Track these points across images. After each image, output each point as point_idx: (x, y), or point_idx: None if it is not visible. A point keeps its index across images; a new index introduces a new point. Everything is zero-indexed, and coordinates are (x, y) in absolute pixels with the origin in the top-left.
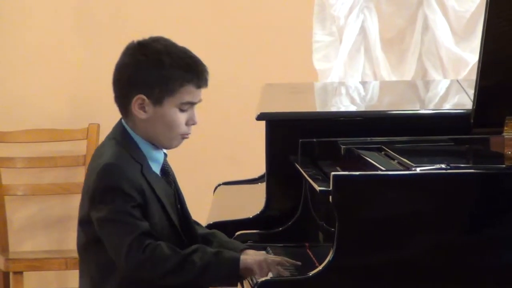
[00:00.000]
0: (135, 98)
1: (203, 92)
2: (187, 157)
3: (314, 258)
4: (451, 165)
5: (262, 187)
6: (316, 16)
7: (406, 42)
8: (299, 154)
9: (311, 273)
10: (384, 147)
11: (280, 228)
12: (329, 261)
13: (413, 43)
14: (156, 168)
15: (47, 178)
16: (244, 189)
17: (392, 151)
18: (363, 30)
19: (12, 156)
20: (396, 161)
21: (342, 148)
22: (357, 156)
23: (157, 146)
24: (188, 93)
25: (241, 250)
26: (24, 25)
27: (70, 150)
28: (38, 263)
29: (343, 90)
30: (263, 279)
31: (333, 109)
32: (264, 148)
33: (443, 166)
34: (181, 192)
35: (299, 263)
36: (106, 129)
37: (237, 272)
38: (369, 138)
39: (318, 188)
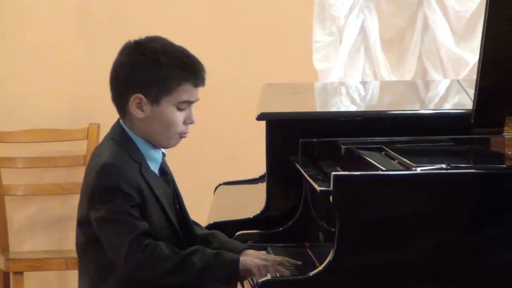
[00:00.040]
0: (132, 97)
1: (204, 92)
2: (187, 157)
3: (314, 258)
4: (451, 165)
5: (262, 187)
6: (316, 16)
7: (406, 42)
8: (299, 154)
9: (311, 273)
10: (384, 147)
11: (281, 228)
12: (329, 261)
13: (413, 43)
14: (155, 168)
15: (47, 178)
16: (244, 189)
17: (393, 151)
18: (363, 30)
19: (12, 156)
20: (396, 161)
21: (343, 148)
22: (358, 156)
23: (155, 145)
24: (185, 91)
25: (241, 250)
26: (24, 25)
27: (70, 150)
28: (38, 263)
29: (343, 90)
30: (264, 279)
31: (334, 109)
32: (264, 148)
33: (443, 166)
34: (179, 192)
35: (299, 262)
36: (106, 129)
37: (237, 274)
38: (369, 138)
39: (318, 188)
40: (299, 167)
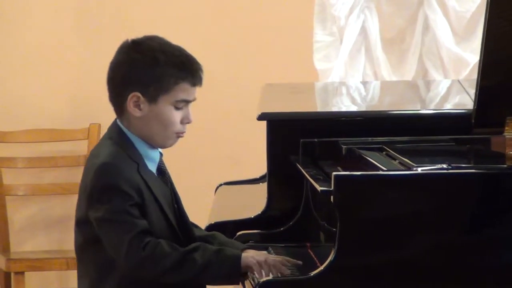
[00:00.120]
0: (130, 96)
1: (204, 92)
2: (188, 157)
3: (315, 258)
4: (452, 165)
5: (263, 187)
6: (317, 16)
7: (406, 42)
8: (300, 154)
9: (312, 273)
10: (385, 147)
11: (282, 228)
12: (330, 261)
13: (413, 43)
14: (152, 167)
15: (47, 178)
16: (245, 189)
17: (393, 151)
18: (363, 30)
19: (12, 156)
20: (397, 161)
21: (343, 148)
22: (358, 156)
23: (152, 145)
24: (182, 90)
25: (242, 250)
26: (24, 25)
27: (71, 150)
28: (39, 263)
29: (343, 90)
30: (265, 279)
31: (334, 109)
32: (265, 148)
33: (444, 166)
34: (177, 192)
35: (300, 262)
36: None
37: (239, 270)
38: (370, 138)
39: (319, 188)
40: (300, 167)
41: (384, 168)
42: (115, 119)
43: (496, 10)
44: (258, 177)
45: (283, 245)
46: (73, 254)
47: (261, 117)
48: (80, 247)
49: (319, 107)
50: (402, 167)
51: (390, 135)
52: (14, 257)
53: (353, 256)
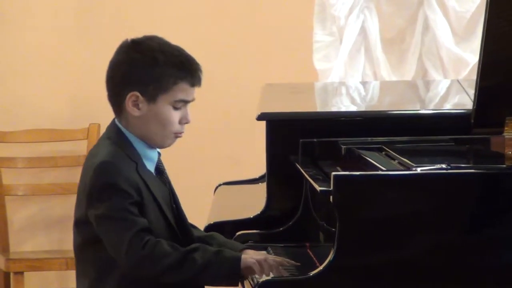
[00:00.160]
0: (129, 95)
1: (204, 92)
2: (187, 157)
3: (314, 258)
4: (451, 165)
5: (262, 187)
6: (317, 16)
7: (406, 42)
8: (299, 154)
9: (311, 273)
10: (384, 147)
11: (281, 228)
12: (329, 261)
13: (413, 43)
14: (151, 167)
15: (47, 178)
16: (244, 189)
17: (393, 151)
18: (363, 30)
19: (12, 156)
20: (396, 161)
21: (343, 148)
22: (358, 156)
23: (151, 145)
24: (181, 90)
25: (241, 250)
26: (25, 25)
27: (71, 150)
28: (39, 263)
29: (343, 90)
30: (264, 279)
31: (334, 109)
32: (265, 148)
33: (443, 166)
34: (175, 192)
35: (298, 264)
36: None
37: (238, 271)
38: (369, 138)
39: (318, 188)
40: (299, 167)
41: (384, 168)
42: (114, 119)
43: (496, 10)
44: (257, 177)
45: (282, 245)
46: (73, 254)
47: (260, 117)
48: (79, 247)
49: (319, 107)
50: (401, 167)
51: (390, 135)
52: (13, 257)
53: (352, 256)
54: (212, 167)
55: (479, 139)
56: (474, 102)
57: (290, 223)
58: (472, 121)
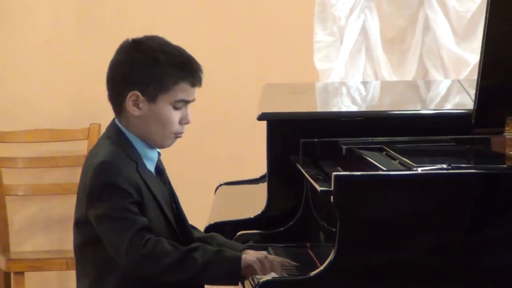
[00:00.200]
0: (129, 95)
1: (204, 92)
2: (188, 157)
3: (315, 258)
4: (452, 165)
5: (263, 187)
6: (317, 16)
7: (407, 42)
8: (300, 154)
9: (312, 273)
10: (385, 147)
11: (281, 228)
12: (330, 261)
13: (414, 43)
14: (151, 167)
15: (48, 178)
16: (245, 189)
17: (393, 151)
18: (364, 30)
19: (13, 156)
20: (397, 161)
21: (343, 148)
22: (358, 156)
23: (151, 144)
24: (182, 90)
25: (241, 250)
26: (25, 25)
27: (71, 150)
28: (39, 263)
29: (344, 90)
30: (265, 279)
31: (334, 109)
32: (265, 148)
33: (444, 166)
34: (175, 192)
35: (298, 264)
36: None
37: (239, 271)
38: (370, 138)
39: (319, 188)
40: (300, 167)
41: (384, 168)
42: (114, 119)
43: (496, 10)
44: (258, 177)
45: (283, 245)
46: (73, 254)
47: (261, 117)
48: (79, 248)
49: (319, 107)
50: (402, 167)
51: (390, 135)
52: (14, 257)
53: (353, 256)
54: (212, 167)
55: (480, 139)
56: (474, 102)
57: (291, 223)
58: (473, 121)
